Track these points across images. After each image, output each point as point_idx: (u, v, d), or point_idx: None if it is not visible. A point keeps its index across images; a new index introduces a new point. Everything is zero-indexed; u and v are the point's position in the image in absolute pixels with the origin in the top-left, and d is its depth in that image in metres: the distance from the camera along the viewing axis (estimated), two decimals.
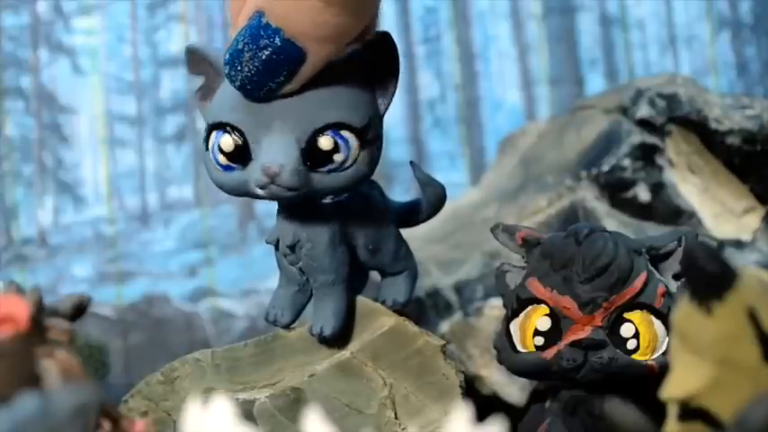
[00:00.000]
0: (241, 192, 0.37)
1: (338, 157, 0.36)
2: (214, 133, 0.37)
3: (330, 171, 0.36)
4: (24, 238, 0.81)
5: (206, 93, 0.38)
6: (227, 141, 0.36)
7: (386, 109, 0.38)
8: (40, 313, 0.29)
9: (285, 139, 0.35)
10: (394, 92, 0.38)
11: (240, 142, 0.36)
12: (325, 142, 0.36)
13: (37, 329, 0.27)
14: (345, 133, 0.36)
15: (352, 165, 0.37)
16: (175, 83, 0.82)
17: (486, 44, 0.85)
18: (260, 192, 0.36)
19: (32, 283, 0.35)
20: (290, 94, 0.35)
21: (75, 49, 0.82)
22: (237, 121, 0.36)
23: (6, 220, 0.80)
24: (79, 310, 0.31)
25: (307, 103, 0.36)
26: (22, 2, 0.81)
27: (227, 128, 0.36)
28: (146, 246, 0.82)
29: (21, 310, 0.26)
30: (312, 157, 0.36)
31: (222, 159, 0.37)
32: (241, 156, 0.36)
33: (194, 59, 0.38)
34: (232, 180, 0.37)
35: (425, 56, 0.84)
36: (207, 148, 0.37)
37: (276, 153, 0.35)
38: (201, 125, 0.39)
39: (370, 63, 0.37)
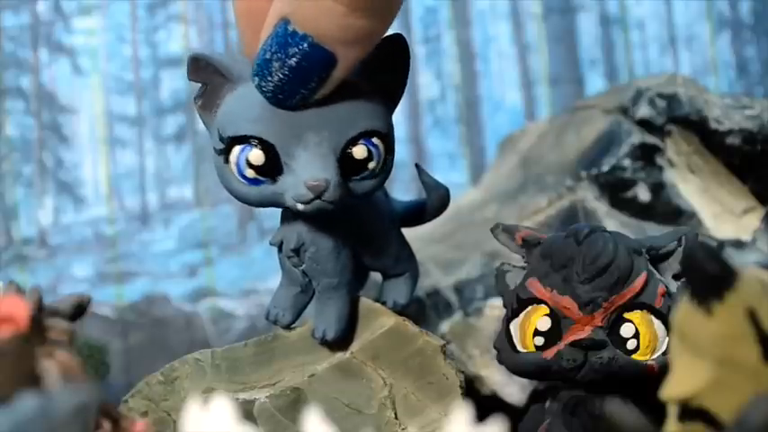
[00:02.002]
0: (269, 204, 0.37)
1: (372, 165, 0.36)
2: (238, 147, 0.36)
3: (362, 179, 0.36)
4: (24, 238, 0.81)
5: (208, 101, 0.37)
6: (258, 155, 0.35)
7: (393, 110, 0.38)
8: (40, 313, 0.29)
9: (323, 152, 0.35)
10: (402, 94, 0.38)
11: (270, 155, 0.35)
12: (358, 151, 0.35)
13: (37, 329, 0.27)
14: (375, 140, 0.36)
15: (381, 170, 0.37)
16: (175, 83, 0.82)
17: (486, 44, 0.85)
18: (300, 207, 0.35)
19: (32, 283, 0.35)
20: (320, 103, 0.35)
21: (75, 49, 0.82)
22: (266, 133, 0.35)
23: (6, 220, 0.80)
24: (79, 310, 0.31)
25: (337, 113, 0.35)
26: (22, 2, 0.81)
27: (253, 140, 0.35)
28: (146, 246, 0.82)
29: (21, 310, 0.26)
30: (346, 166, 0.36)
31: (250, 173, 0.36)
32: (270, 169, 0.35)
33: (198, 66, 0.37)
34: (260, 194, 0.36)
35: (425, 56, 0.84)
36: (226, 161, 0.36)
37: (318, 168, 0.35)
38: (202, 126, 0.38)
39: (384, 66, 0.36)
